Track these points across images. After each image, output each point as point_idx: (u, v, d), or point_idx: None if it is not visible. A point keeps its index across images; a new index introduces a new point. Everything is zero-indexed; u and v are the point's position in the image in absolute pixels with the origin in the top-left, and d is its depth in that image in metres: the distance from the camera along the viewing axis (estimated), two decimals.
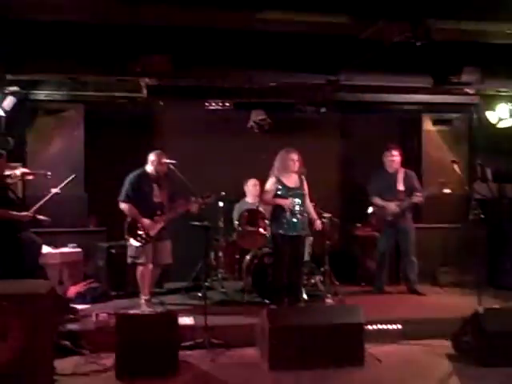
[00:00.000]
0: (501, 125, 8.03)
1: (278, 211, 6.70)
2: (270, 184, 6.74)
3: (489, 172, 8.54)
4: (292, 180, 6.74)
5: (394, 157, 7.55)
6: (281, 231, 6.64)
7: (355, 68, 6.04)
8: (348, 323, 5.29)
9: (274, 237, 6.84)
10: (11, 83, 6.51)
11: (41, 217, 6.17)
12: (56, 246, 7.25)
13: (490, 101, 7.78)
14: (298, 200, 6.59)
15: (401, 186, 7.53)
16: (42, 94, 7.25)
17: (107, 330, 5.70)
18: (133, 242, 6.53)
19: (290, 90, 6.85)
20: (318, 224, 6.81)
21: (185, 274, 7.73)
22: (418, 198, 7.36)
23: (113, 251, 7.39)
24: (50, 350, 4.67)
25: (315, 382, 5.01)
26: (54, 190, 6.54)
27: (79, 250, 7.36)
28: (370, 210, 7.61)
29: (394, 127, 8.90)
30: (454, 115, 8.60)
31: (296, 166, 6.70)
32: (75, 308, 6.48)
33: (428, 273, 8.06)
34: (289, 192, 6.63)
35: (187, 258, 7.48)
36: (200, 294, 7.25)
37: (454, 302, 7.18)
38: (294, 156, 6.70)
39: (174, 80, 6.27)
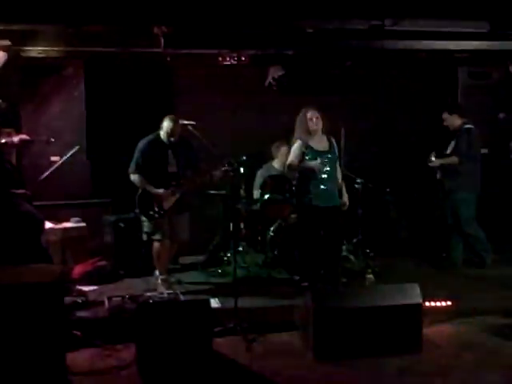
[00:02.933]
0: None
1: (305, 179, 5.90)
2: (296, 148, 5.92)
3: None
4: (320, 142, 5.94)
5: None
6: (310, 202, 5.85)
7: (402, 13, 5.21)
8: (404, 304, 4.58)
9: (301, 209, 6.07)
10: (2, 35, 5.63)
11: None
12: (57, 221, 6.44)
13: None
14: (328, 165, 5.82)
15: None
16: (35, 50, 6.36)
17: (122, 316, 5.07)
18: (145, 217, 5.79)
19: (326, 37, 5.97)
20: (345, 201, 6.04)
21: (201, 247, 7.06)
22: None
23: (121, 225, 6.66)
24: (63, 347, 3.93)
25: (368, 373, 4.32)
26: (53, 159, 5.79)
27: (83, 224, 6.58)
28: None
29: (425, 82, 8.11)
30: (493, 68, 7.81)
31: (318, 125, 5.89)
32: (83, 291, 5.78)
33: None
34: (318, 156, 5.82)
35: (203, 229, 6.86)
36: (220, 271, 6.60)
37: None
38: (314, 114, 5.88)
39: (194, 28, 5.37)
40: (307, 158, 5.87)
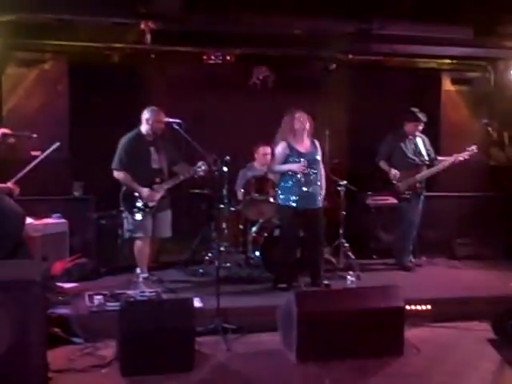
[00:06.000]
0: None
1: (287, 180, 5.94)
2: (279, 149, 5.96)
3: (506, 136, 7.91)
4: (304, 144, 5.96)
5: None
6: (291, 204, 5.89)
7: (390, 16, 5.22)
8: (387, 307, 4.61)
9: (281, 210, 6.09)
10: None
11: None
12: (38, 217, 6.31)
13: None
14: (310, 168, 5.84)
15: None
16: (18, 42, 6.26)
17: (103, 314, 5.01)
18: (130, 215, 5.74)
19: (314, 39, 5.97)
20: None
21: (182, 246, 6.99)
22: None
23: (103, 222, 6.59)
24: (44, 344, 3.88)
25: (350, 375, 4.33)
26: (34, 153, 5.70)
27: (64, 220, 6.49)
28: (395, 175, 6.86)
29: (407, 86, 8.15)
30: (474, 74, 7.87)
31: (304, 124, 5.90)
32: (63, 287, 5.70)
33: (444, 245, 7.45)
34: (301, 158, 5.85)
35: (184, 229, 6.77)
36: (201, 270, 6.56)
37: (480, 278, 6.66)
38: (302, 117, 5.91)
39: (181, 25, 5.30)
40: (290, 159, 5.89)
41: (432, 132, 7.21)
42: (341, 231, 6.75)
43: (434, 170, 6.82)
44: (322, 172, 6.07)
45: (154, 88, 7.37)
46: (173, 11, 4.71)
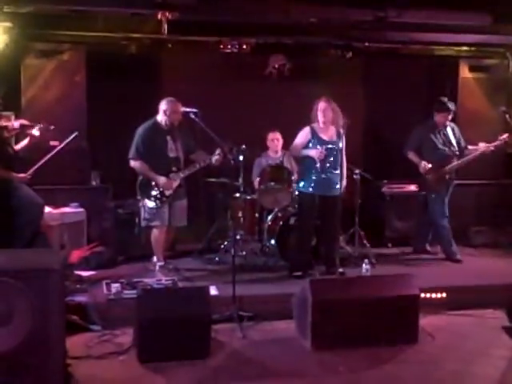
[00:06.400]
0: None
1: (306, 166, 6.00)
2: (302, 134, 6.04)
3: None
4: (328, 133, 6.01)
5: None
6: (309, 190, 5.95)
7: (406, 4, 5.18)
8: (402, 295, 4.64)
9: (300, 196, 6.16)
10: (6, 18, 5.56)
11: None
12: (56, 206, 6.41)
13: None
14: (331, 156, 5.89)
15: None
16: (37, 33, 6.31)
17: (120, 302, 5.08)
18: (147, 203, 5.80)
19: (329, 28, 5.96)
20: (342, 187, 6.08)
21: (198, 234, 7.01)
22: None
23: (120, 211, 6.65)
24: (62, 332, 3.94)
25: (365, 363, 4.36)
26: (53, 143, 5.77)
27: (82, 209, 6.57)
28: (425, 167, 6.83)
29: (424, 74, 8.10)
30: (492, 61, 7.79)
31: (326, 117, 5.94)
32: (81, 276, 5.78)
33: (460, 233, 7.42)
34: (322, 145, 5.90)
35: (201, 217, 6.82)
36: (217, 259, 6.61)
37: (496, 266, 6.63)
38: (322, 105, 5.95)
39: (198, 15, 5.30)
40: (311, 145, 5.95)
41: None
42: (356, 219, 6.74)
43: (464, 160, 6.73)
44: (344, 162, 6.06)
45: (171, 77, 7.36)
46: (189, 1, 4.71)
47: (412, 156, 6.87)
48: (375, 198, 7.58)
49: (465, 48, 7.48)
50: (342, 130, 5.89)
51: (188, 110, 5.86)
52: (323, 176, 5.92)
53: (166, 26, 5.43)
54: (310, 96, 7.19)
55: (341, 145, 5.93)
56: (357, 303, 4.55)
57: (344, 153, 5.96)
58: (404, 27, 5.96)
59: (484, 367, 4.33)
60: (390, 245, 7.50)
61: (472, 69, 7.76)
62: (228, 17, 5.52)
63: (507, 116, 6.05)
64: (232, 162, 5.43)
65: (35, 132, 5.61)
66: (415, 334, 4.69)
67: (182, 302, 4.30)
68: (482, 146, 6.68)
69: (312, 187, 5.95)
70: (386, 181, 7.62)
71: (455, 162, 6.74)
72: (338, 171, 5.96)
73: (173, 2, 4.86)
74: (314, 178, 5.94)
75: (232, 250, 5.37)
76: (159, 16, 5.28)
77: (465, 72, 7.77)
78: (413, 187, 7.56)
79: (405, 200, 7.56)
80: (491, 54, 7.74)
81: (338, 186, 5.98)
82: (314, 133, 5.97)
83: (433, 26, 5.96)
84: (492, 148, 6.64)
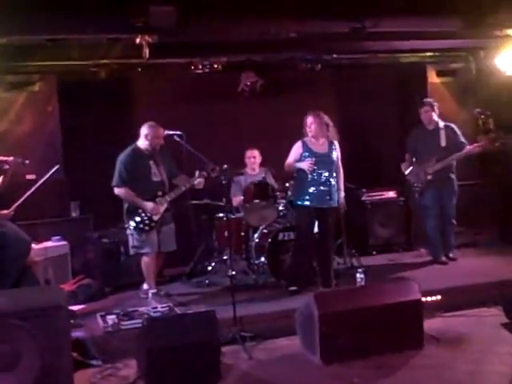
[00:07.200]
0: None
1: (300, 180, 6.02)
2: (294, 149, 6.08)
3: (491, 122, 8.00)
4: (319, 145, 6.03)
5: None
6: (305, 203, 5.96)
7: (382, 14, 5.25)
8: (405, 301, 4.64)
9: (297, 210, 6.18)
10: None
11: None
12: (38, 240, 6.18)
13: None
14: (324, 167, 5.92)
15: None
16: (5, 65, 6.14)
17: (118, 333, 4.96)
18: (135, 230, 5.68)
19: (310, 42, 5.97)
20: (340, 198, 6.08)
21: (184, 258, 6.90)
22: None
23: (105, 241, 6.50)
24: (71, 370, 3.82)
25: (377, 372, 4.33)
26: (29, 177, 5.65)
27: (65, 242, 6.38)
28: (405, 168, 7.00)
29: (393, 82, 8.23)
30: (457, 65, 7.95)
31: (313, 132, 5.99)
32: (73, 311, 5.60)
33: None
34: (315, 158, 5.93)
35: (186, 240, 6.69)
36: (207, 281, 6.53)
37: (482, 265, 6.75)
38: (309, 120, 6.01)
39: (178, 36, 5.23)
40: (303, 158, 5.98)
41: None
42: (342, 229, 6.75)
43: (444, 162, 6.78)
44: (341, 173, 6.11)
45: (144, 102, 7.29)
46: (169, 24, 4.66)
47: (407, 157, 7.06)
48: (356, 207, 7.59)
49: (430, 54, 7.61)
50: (335, 142, 5.93)
51: (171, 132, 5.82)
52: (318, 188, 5.92)
53: (147, 51, 5.34)
54: (284, 111, 7.28)
55: (334, 156, 5.95)
56: (363, 313, 4.53)
57: (340, 164, 6.01)
58: (383, 37, 6.02)
59: (495, 365, 4.36)
60: (374, 252, 7.56)
61: (439, 74, 7.92)
62: (208, 37, 5.46)
63: (482, 117, 6.15)
64: (223, 181, 5.36)
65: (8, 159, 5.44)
66: (420, 338, 4.69)
67: (190, 328, 4.20)
68: (464, 150, 6.79)
69: (308, 200, 5.95)
70: (364, 189, 7.68)
71: (437, 164, 6.80)
72: (333, 182, 5.97)
73: (153, 26, 4.77)
74: (309, 190, 5.94)
75: (230, 270, 5.34)
76: (138, 40, 5.20)
77: (433, 77, 7.91)
78: (392, 193, 7.68)
79: (385, 207, 7.66)
80: (455, 58, 7.91)
81: (334, 198, 5.98)
82: (305, 146, 6.01)
83: (411, 33, 6.04)
84: (475, 151, 6.76)
